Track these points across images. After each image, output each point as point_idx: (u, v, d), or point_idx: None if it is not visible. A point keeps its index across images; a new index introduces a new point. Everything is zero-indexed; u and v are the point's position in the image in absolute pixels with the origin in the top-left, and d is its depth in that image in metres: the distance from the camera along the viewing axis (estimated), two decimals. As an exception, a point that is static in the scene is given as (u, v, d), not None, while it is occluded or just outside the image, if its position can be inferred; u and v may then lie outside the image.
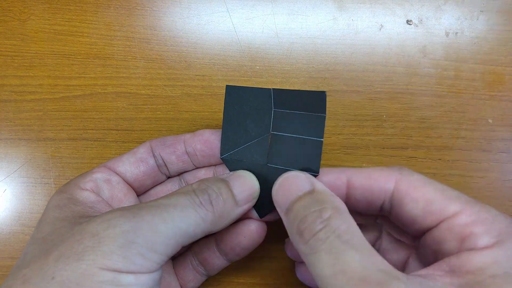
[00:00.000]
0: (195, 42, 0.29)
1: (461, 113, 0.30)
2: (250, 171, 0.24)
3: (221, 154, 0.24)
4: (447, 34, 0.30)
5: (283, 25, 0.30)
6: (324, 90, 0.29)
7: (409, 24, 0.30)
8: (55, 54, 0.29)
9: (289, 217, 0.20)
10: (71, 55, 0.29)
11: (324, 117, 0.23)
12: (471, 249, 0.17)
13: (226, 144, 0.24)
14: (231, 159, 0.24)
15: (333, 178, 0.22)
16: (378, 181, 0.21)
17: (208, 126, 0.30)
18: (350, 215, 0.19)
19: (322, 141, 0.23)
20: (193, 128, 0.29)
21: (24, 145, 0.29)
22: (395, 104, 0.30)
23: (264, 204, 0.24)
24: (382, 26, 0.30)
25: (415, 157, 0.30)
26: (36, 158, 0.29)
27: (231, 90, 0.25)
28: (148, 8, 0.30)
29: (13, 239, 0.29)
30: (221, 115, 0.29)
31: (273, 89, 0.23)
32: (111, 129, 0.29)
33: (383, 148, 0.30)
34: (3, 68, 0.29)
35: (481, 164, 0.30)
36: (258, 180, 0.23)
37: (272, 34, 0.30)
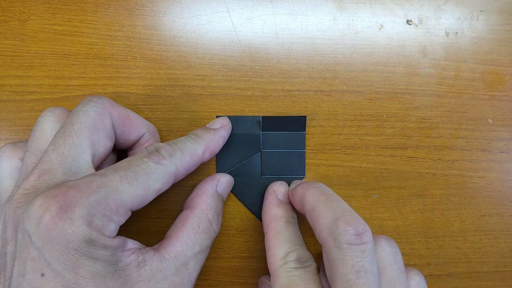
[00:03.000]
0: (195, 42, 0.29)
1: (461, 113, 0.30)
2: (248, 183, 0.29)
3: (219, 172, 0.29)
4: (447, 34, 0.30)
5: (283, 25, 0.30)
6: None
7: (409, 24, 0.30)
8: (55, 54, 0.29)
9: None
10: (71, 55, 0.29)
11: (304, 134, 0.29)
12: None
13: (221, 164, 0.28)
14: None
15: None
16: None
17: (208, 126, 0.29)
18: None
19: (304, 151, 0.29)
20: (192, 128, 0.29)
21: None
22: (395, 104, 0.30)
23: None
24: (382, 26, 0.30)
25: (415, 157, 0.30)
26: (36, 158, 0.29)
27: None
28: (148, 8, 0.30)
29: (13, 239, 0.29)
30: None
31: (262, 116, 0.29)
32: (111, 129, 0.29)
33: (383, 148, 0.30)
34: (3, 68, 0.29)
35: (481, 164, 0.30)
36: (255, 190, 0.29)
37: (272, 34, 0.30)
